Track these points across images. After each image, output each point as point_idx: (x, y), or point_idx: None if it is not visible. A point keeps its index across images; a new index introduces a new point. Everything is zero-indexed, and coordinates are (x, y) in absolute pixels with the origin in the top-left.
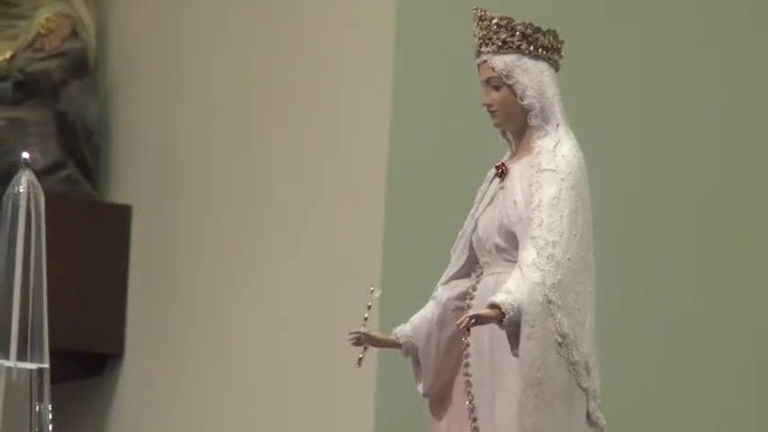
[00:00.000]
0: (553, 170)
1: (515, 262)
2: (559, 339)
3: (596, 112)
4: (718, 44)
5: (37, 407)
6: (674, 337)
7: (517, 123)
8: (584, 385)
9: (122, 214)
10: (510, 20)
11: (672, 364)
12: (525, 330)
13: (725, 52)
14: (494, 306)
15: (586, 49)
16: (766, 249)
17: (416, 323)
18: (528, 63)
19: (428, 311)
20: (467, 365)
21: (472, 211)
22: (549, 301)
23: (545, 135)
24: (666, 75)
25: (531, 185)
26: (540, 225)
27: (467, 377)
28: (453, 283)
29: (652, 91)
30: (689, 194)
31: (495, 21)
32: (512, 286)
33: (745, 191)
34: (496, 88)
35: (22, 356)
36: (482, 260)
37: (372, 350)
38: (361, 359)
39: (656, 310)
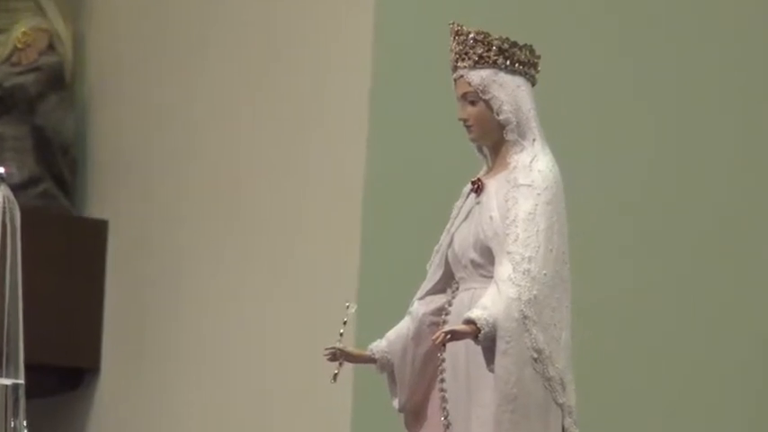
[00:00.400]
0: (529, 185)
1: (491, 277)
2: (535, 355)
3: (574, 123)
4: (690, 55)
5: (12, 423)
6: (653, 353)
7: (493, 138)
8: (560, 401)
9: (99, 229)
10: (486, 34)
11: (649, 382)
12: (501, 346)
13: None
14: (469, 322)
15: (564, 60)
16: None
17: (392, 338)
18: (504, 78)
19: (404, 327)
20: (442, 381)
21: (448, 226)
22: (525, 317)
23: (521, 150)
24: (633, 83)
25: (507, 200)
26: (516, 240)
27: (442, 393)
28: (429, 298)
29: (621, 99)
30: (660, 201)
31: (471, 35)
32: (487, 302)
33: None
34: (473, 103)
35: None
36: (458, 275)
37: (349, 365)
38: (336, 375)
39: (633, 329)
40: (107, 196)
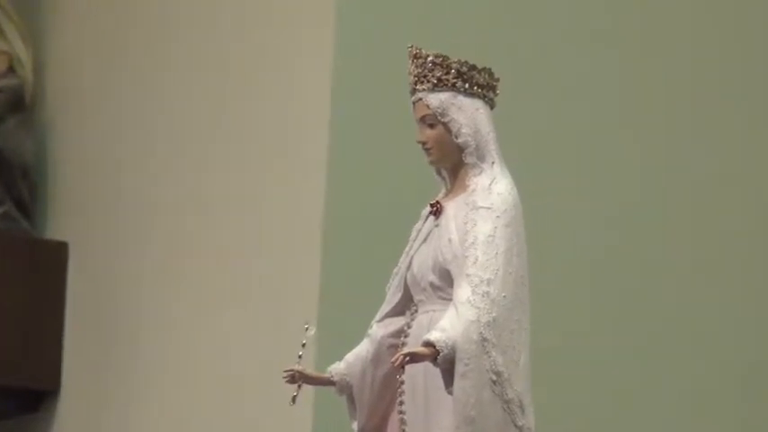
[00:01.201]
0: (488, 208)
1: (450, 300)
2: (494, 377)
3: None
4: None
5: None
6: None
7: (452, 161)
8: (519, 423)
9: (59, 251)
10: (445, 57)
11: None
12: (459, 368)
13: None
14: (428, 344)
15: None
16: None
17: (351, 361)
18: (463, 101)
19: (363, 349)
20: (401, 403)
21: (407, 248)
22: (484, 339)
23: (480, 173)
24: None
25: (466, 223)
26: (476, 263)
27: (401, 415)
28: (388, 320)
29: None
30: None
31: (430, 58)
32: (446, 324)
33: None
34: (431, 126)
35: None
36: (417, 298)
37: (310, 388)
38: (295, 397)
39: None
40: (67, 218)
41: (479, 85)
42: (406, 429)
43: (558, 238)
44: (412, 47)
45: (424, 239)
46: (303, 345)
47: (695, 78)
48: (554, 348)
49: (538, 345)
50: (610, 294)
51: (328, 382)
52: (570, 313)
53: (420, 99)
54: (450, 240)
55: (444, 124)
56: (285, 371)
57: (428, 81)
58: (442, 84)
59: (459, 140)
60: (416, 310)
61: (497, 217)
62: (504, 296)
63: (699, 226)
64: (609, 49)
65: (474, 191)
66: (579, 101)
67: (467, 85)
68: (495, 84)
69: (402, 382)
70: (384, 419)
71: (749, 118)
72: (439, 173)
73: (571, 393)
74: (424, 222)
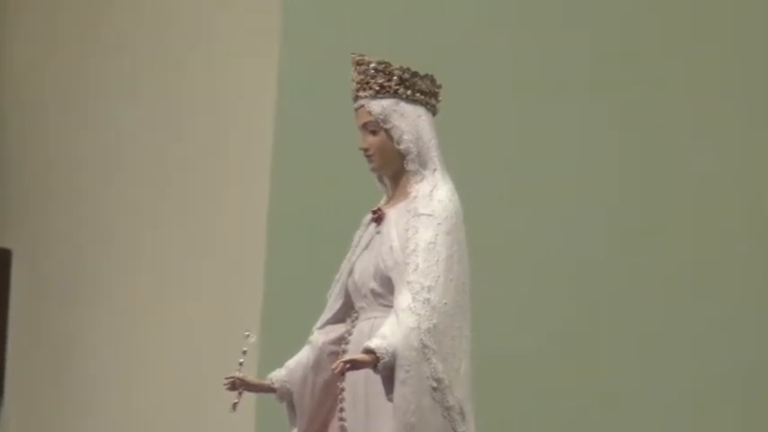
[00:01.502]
0: (429, 215)
1: (391, 307)
2: (434, 384)
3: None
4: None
5: None
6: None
7: (394, 168)
8: (460, 430)
9: (2, 258)
10: (387, 64)
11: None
12: (400, 375)
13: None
14: (369, 351)
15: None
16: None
17: (292, 367)
18: (405, 107)
19: (303, 356)
20: (341, 410)
21: (348, 255)
22: (425, 346)
23: (422, 179)
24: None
25: (407, 230)
26: (416, 270)
27: (341, 422)
28: (329, 327)
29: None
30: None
31: (372, 65)
32: (387, 331)
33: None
34: (374, 133)
35: None
36: (358, 305)
37: (251, 395)
38: (236, 404)
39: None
40: (10, 226)
41: (421, 92)
42: None
43: (537, 242)
44: (355, 54)
45: (366, 246)
46: (244, 352)
47: (664, 78)
48: (536, 352)
49: (519, 350)
50: (592, 299)
51: (269, 389)
52: (551, 317)
53: (362, 106)
54: (391, 247)
55: (386, 131)
56: (226, 378)
57: (370, 88)
58: (384, 90)
59: (401, 147)
60: (357, 317)
61: (438, 224)
62: (445, 303)
63: (681, 229)
64: (574, 48)
65: (415, 198)
66: (549, 104)
67: (409, 92)
68: (437, 90)
69: (343, 389)
70: (324, 426)
71: (707, 120)
72: (381, 180)
73: (558, 398)
74: (366, 229)
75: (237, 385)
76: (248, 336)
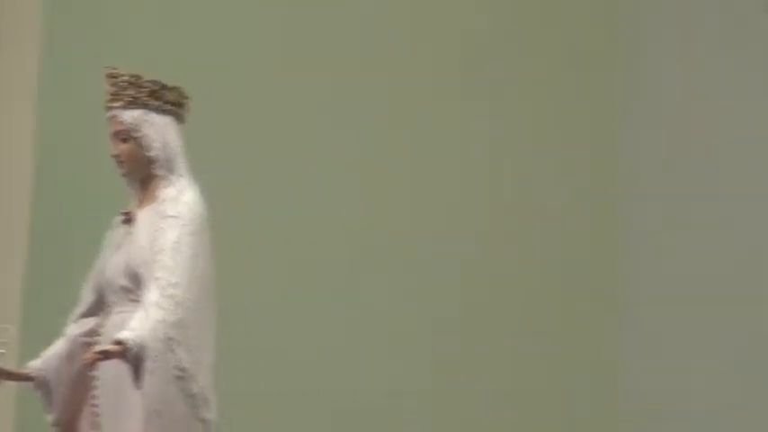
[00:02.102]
0: (176, 216)
1: (140, 302)
2: (179, 374)
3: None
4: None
5: None
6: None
7: (143, 173)
8: (203, 417)
9: None
10: (139, 77)
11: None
12: (148, 365)
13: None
14: (119, 342)
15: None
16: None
17: (47, 357)
18: (155, 117)
19: (59, 347)
20: (94, 398)
21: (102, 254)
22: (170, 338)
23: (169, 184)
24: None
25: (155, 231)
26: (164, 267)
27: (94, 408)
28: (83, 320)
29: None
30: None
31: (125, 78)
32: (136, 324)
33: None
34: (124, 141)
35: None
36: (110, 300)
37: (13, 383)
38: None
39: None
40: None
41: (170, 103)
42: (99, 421)
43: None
44: (108, 67)
45: (118, 246)
46: (2, 344)
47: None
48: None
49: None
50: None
51: (27, 378)
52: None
53: (114, 116)
54: (141, 247)
55: (136, 139)
56: None
57: (122, 99)
58: (135, 102)
59: (151, 154)
60: (110, 311)
61: (183, 225)
62: (190, 298)
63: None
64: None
65: (164, 201)
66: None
67: (158, 103)
68: (184, 101)
69: (95, 378)
70: (78, 412)
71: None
72: (131, 184)
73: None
74: (117, 230)
75: None
76: (7, 329)
